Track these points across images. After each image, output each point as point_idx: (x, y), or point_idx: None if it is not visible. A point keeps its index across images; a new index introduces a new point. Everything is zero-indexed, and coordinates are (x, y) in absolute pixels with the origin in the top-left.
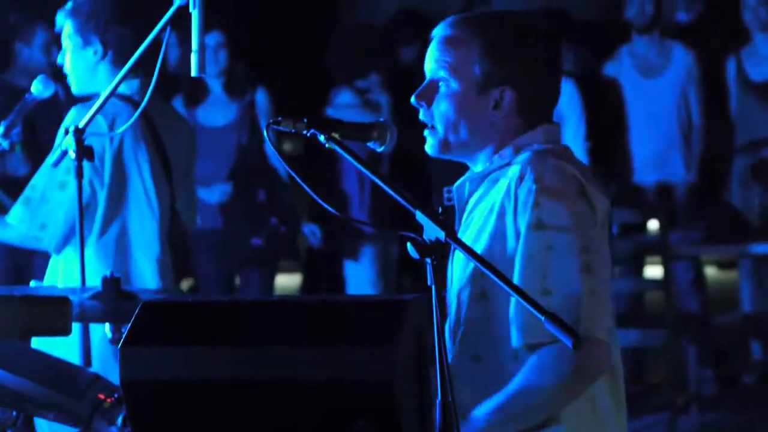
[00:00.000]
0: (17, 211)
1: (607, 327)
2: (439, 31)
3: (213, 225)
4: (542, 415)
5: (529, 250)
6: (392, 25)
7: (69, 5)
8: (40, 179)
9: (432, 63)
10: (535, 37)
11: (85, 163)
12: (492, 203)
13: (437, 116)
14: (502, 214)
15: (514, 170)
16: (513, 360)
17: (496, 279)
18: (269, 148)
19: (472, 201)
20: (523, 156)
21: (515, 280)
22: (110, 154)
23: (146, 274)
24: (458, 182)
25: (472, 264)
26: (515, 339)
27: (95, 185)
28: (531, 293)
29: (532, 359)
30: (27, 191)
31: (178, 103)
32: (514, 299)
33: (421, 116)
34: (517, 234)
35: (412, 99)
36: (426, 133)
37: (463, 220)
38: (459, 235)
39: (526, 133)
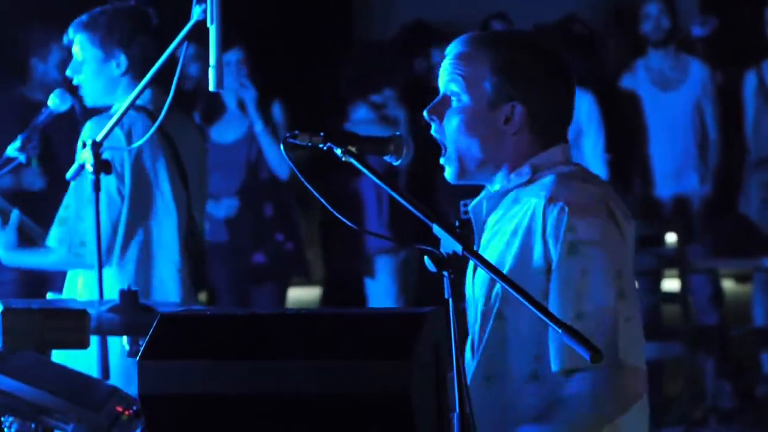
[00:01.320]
0: (55, 234)
1: (641, 352)
2: (452, 49)
3: (219, 239)
4: None
5: (565, 275)
6: (401, 38)
7: (83, 18)
8: (70, 198)
9: (444, 78)
10: (545, 55)
11: (112, 177)
12: (516, 224)
13: (448, 131)
14: (528, 236)
15: (539, 193)
16: (530, 381)
17: (513, 292)
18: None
19: (491, 220)
20: (548, 179)
21: (550, 304)
22: (129, 165)
23: (168, 285)
24: (475, 201)
25: (489, 284)
26: (553, 364)
27: (123, 193)
28: (566, 317)
29: (569, 385)
30: (61, 212)
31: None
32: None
33: (433, 131)
34: (545, 256)
35: (425, 113)
36: (442, 161)
37: (483, 239)
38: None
39: (543, 152)
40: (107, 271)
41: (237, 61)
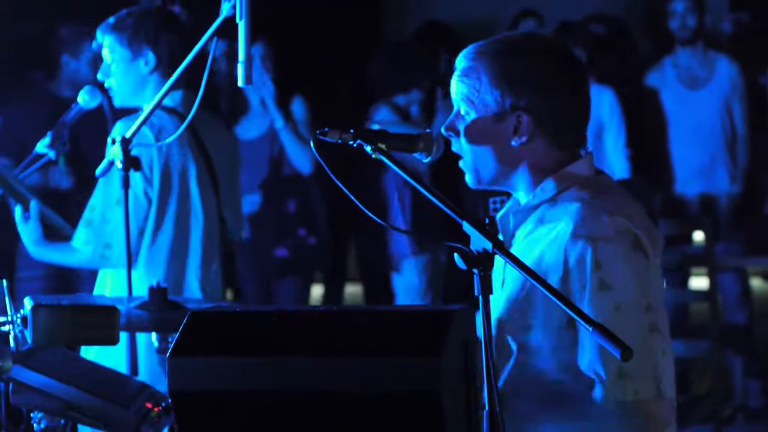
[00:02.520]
0: (81, 234)
1: (674, 384)
2: (458, 63)
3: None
4: None
5: (598, 312)
6: (424, 38)
7: (110, 20)
8: (97, 199)
9: (454, 95)
10: (547, 59)
11: (139, 175)
12: (541, 252)
13: (464, 147)
14: (551, 267)
15: (564, 219)
16: (556, 393)
17: (543, 289)
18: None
19: (519, 235)
20: (573, 206)
21: (586, 341)
22: (158, 164)
23: (193, 283)
24: (501, 213)
25: (516, 294)
26: (598, 394)
27: (150, 195)
28: (603, 353)
29: (605, 413)
30: (87, 213)
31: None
32: (585, 355)
33: (453, 147)
34: (566, 287)
35: (442, 130)
36: (461, 165)
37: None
38: (507, 272)
39: (567, 166)
40: (134, 272)
41: (260, 56)
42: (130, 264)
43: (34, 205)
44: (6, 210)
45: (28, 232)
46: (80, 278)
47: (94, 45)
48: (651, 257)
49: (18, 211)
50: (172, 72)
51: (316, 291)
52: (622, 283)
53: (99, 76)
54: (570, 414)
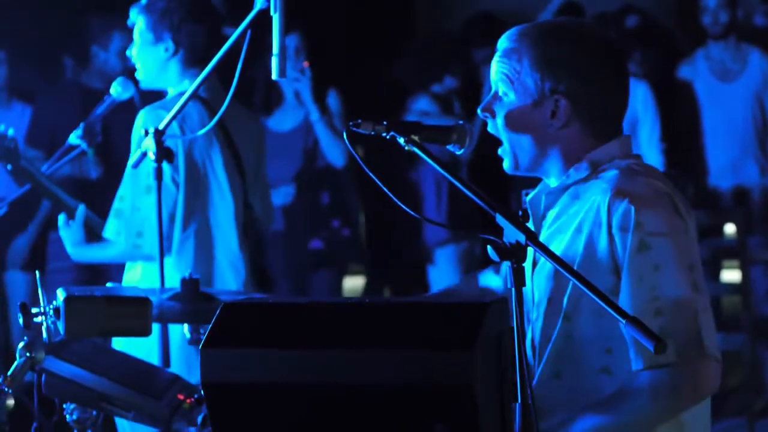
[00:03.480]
0: (112, 225)
1: (717, 343)
2: (500, 44)
3: (276, 227)
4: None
5: (637, 272)
6: (467, 29)
7: (143, 1)
8: (126, 189)
9: (494, 76)
10: (590, 46)
11: (167, 165)
12: (579, 221)
13: (501, 129)
14: (593, 233)
15: (603, 188)
16: (601, 374)
17: (578, 282)
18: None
19: (550, 216)
20: (611, 173)
21: (623, 301)
22: (183, 152)
23: (225, 272)
24: (532, 195)
25: (553, 284)
26: (633, 362)
27: (177, 181)
28: (644, 314)
29: (649, 379)
30: (116, 203)
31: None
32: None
33: (489, 128)
34: (612, 253)
35: (479, 111)
36: (500, 152)
37: (542, 235)
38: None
39: (600, 147)
40: (166, 261)
41: (294, 48)
42: (162, 254)
43: (81, 210)
44: (36, 205)
45: (70, 235)
46: (110, 270)
47: (129, 23)
48: (688, 223)
49: (61, 218)
50: (193, 60)
51: (358, 282)
52: (662, 243)
53: (128, 53)
54: (612, 397)
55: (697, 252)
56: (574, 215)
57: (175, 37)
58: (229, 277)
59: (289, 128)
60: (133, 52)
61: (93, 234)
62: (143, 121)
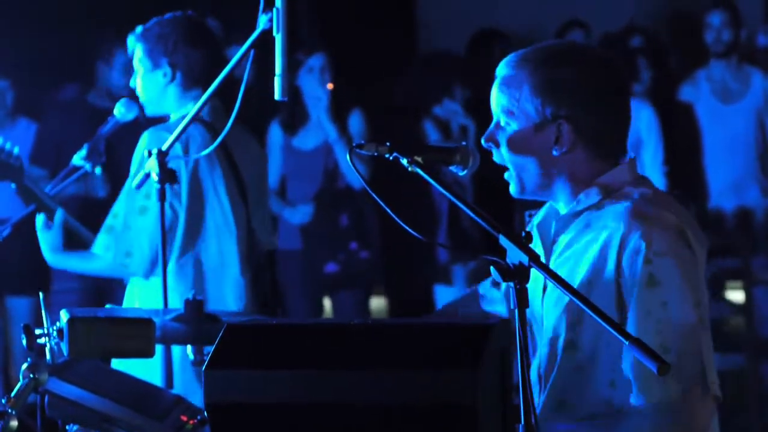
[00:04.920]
0: (102, 241)
1: (717, 381)
2: (498, 72)
3: (294, 246)
4: None
5: (645, 307)
6: (472, 46)
7: (139, 29)
8: (120, 207)
9: (494, 105)
10: (590, 69)
11: (167, 188)
12: (590, 252)
13: (506, 157)
14: (600, 267)
15: (615, 221)
16: (603, 406)
17: (581, 304)
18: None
19: (562, 242)
20: (622, 206)
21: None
22: (186, 175)
23: (227, 295)
24: (539, 218)
25: (560, 312)
26: (635, 397)
27: (176, 207)
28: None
29: (651, 413)
30: (109, 220)
31: (275, 127)
32: (629, 357)
33: (495, 158)
34: (617, 288)
35: (483, 141)
36: (506, 176)
37: (552, 261)
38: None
39: (609, 171)
40: (156, 281)
41: (320, 67)
42: (165, 277)
43: (59, 214)
44: (30, 222)
45: (47, 239)
46: (114, 291)
47: (128, 51)
48: (698, 257)
49: (40, 219)
50: (191, 83)
51: (382, 303)
52: (670, 279)
53: (131, 83)
54: (616, 422)
55: (704, 286)
56: (586, 245)
57: (171, 61)
58: (231, 301)
59: (311, 147)
60: (137, 82)
61: (73, 239)
62: (146, 142)
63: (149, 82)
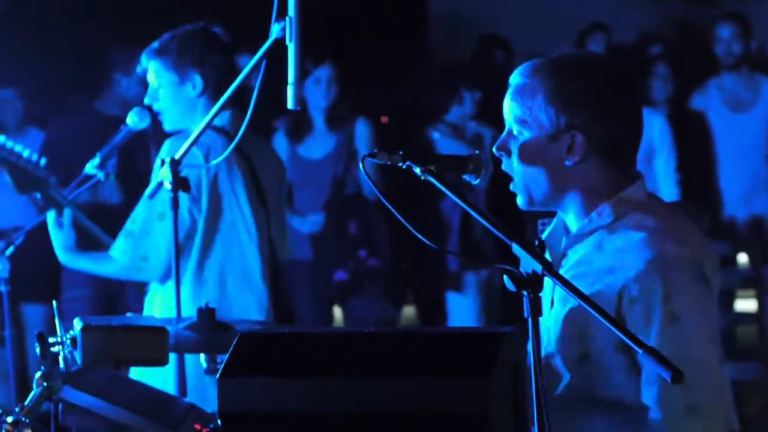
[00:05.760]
0: (119, 244)
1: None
2: (512, 80)
3: (304, 256)
4: None
5: (666, 345)
6: (478, 53)
7: (155, 45)
8: (139, 212)
9: (507, 113)
10: (604, 79)
11: (183, 194)
12: (601, 281)
13: (515, 165)
14: (607, 293)
15: (629, 250)
16: (619, 408)
17: (592, 311)
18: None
19: (572, 257)
20: (639, 237)
21: (652, 374)
22: (206, 183)
23: (249, 303)
24: (549, 230)
25: (570, 324)
26: (655, 413)
27: (194, 214)
28: (672, 387)
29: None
30: (128, 224)
31: (280, 136)
32: (645, 372)
33: (504, 166)
34: (619, 313)
35: (494, 149)
36: (512, 188)
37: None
38: (556, 293)
39: (621, 192)
40: (184, 290)
41: (328, 78)
42: (178, 285)
43: (68, 212)
44: (43, 230)
45: (60, 237)
46: (124, 299)
47: (138, 69)
48: (713, 290)
49: (51, 216)
50: (221, 93)
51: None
52: (690, 316)
53: (146, 101)
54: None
55: (718, 319)
56: (597, 271)
57: (202, 71)
58: (252, 309)
59: (319, 156)
60: (157, 99)
61: (86, 236)
62: (167, 151)
63: (176, 96)
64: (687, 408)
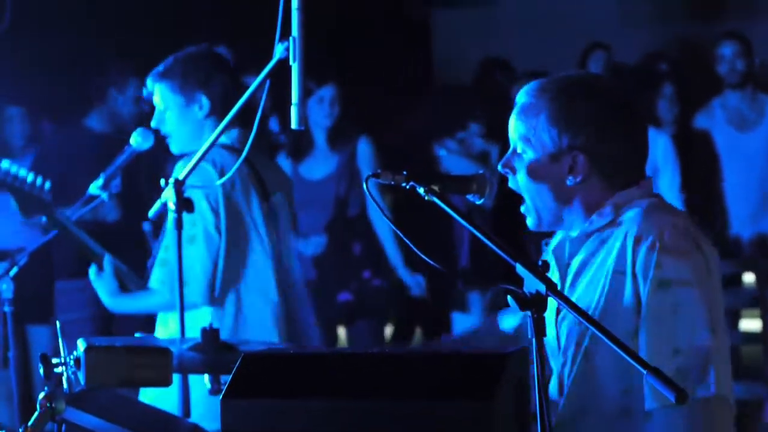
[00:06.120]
0: (157, 275)
1: (731, 385)
2: (518, 99)
3: (308, 277)
4: None
5: (656, 311)
6: (481, 74)
7: (159, 68)
8: (170, 239)
9: (512, 131)
10: (606, 101)
11: (208, 210)
12: (604, 265)
13: (521, 185)
14: (617, 276)
15: (627, 230)
16: (620, 417)
17: (597, 332)
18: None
19: (575, 263)
20: (632, 212)
21: (643, 339)
22: (223, 202)
23: (265, 320)
24: (554, 243)
25: (577, 326)
26: (648, 402)
27: (221, 229)
28: (661, 353)
29: (663, 418)
30: (161, 253)
31: (281, 156)
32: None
33: (510, 184)
34: (636, 293)
35: (499, 167)
36: (522, 210)
37: (568, 283)
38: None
39: (622, 191)
40: (206, 310)
41: (331, 98)
42: (182, 305)
43: (108, 260)
44: (46, 251)
45: (104, 286)
46: (121, 319)
47: (144, 93)
48: (710, 261)
49: (93, 269)
50: (228, 112)
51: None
52: (682, 283)
53: (153, 124)
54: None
55: (718, 290)
56: (602, 262)
57: (208, 92)
58: (269, 327)
59: (321, 176)
60: (164, 122)
61: (122, 283)
62: (179, 172)
63: (183, 118)
64: (674, 372)
